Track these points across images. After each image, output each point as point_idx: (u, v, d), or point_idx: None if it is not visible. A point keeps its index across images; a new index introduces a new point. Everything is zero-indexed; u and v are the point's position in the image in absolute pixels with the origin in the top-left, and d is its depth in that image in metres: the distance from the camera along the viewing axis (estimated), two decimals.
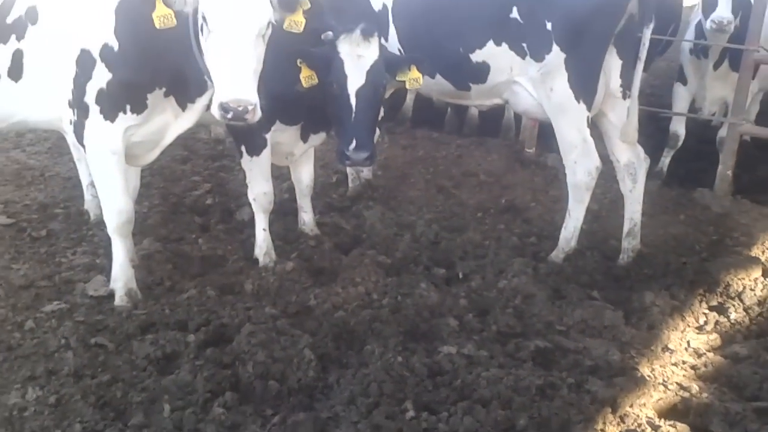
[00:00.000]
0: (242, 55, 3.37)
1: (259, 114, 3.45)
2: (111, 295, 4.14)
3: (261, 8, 3.42)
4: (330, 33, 4.19)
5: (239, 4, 3.35)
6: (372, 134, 4.30)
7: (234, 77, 3.36)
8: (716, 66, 6.24)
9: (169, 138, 4.02)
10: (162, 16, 3.40)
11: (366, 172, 6.24)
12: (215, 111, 3.40)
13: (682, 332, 4.18)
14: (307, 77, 4.16)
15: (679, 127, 6.69)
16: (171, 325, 3.86)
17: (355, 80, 4.10)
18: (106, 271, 4.28)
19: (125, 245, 4.10)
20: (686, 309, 4.38)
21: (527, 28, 4.55)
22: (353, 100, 4.10)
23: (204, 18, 3.36)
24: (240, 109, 3.34)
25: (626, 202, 4.93)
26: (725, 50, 6.12)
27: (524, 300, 4.36)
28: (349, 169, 6.06)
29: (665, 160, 6.77)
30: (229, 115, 3.36)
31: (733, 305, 4.43)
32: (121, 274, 4.10)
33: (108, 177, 3.88)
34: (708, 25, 5.87)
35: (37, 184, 5.84)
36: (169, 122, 3.94)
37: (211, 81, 3.58)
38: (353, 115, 4.12)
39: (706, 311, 4.41)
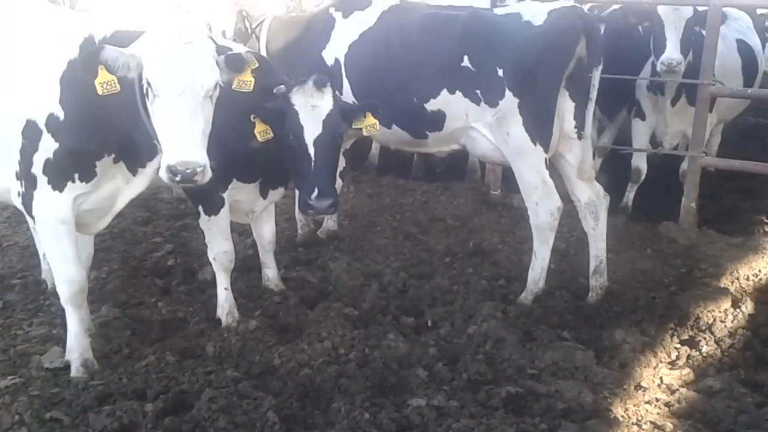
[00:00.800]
0: (188, 117, 3.32)
1: (209, 175, 3.38)
2: (67, 367, 3.99)
3: (206, 71, 3.38)
4: (282, 87, 4.19)
5: (184, 68, 3.31)
6: (333, 181, 4.27)
7: (180, 140, 3.31)
8: (674, 102, 6.29)
9: (121, 204, 3.94)
10: (105, 83, 3.35)
11: (331, 223, 6.20)
12: (163, 174, 3.33)
13: (654, 368, 4.13)
14: (261, 132, 4.12)
15: (640, 162, 6.72)
16: (129, 395, 3.71)
17: (311, 130, 4.07)
18: (62, 341, 4.13)
19: (79, 315, 3.98)
20: (657, 344, 4.35)
21: (479, 75, 4.61)
22: (311, 150, 4.07)
23: (149, 83, 3.32)
24: (188, 171, 3.28)
25: (590, 240, 4.92)
26: (681, 86, 6.17)
27: (494, 345, 4.29)
28: (299, 216, 6.04)
29: (629, 195, 6.79)
30: (178, 178, 3.29)
31: (704, 338, 4.40)
32: (76, 345, 3.97)
33: (58, 247, 3.78)
34: (658, 66, 5.93)
35: None
36: (120, 188, 3.86)
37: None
38: (312, 164, 4.08)
39: (678, 346, 4.37)
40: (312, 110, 4.09)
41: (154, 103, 3.34)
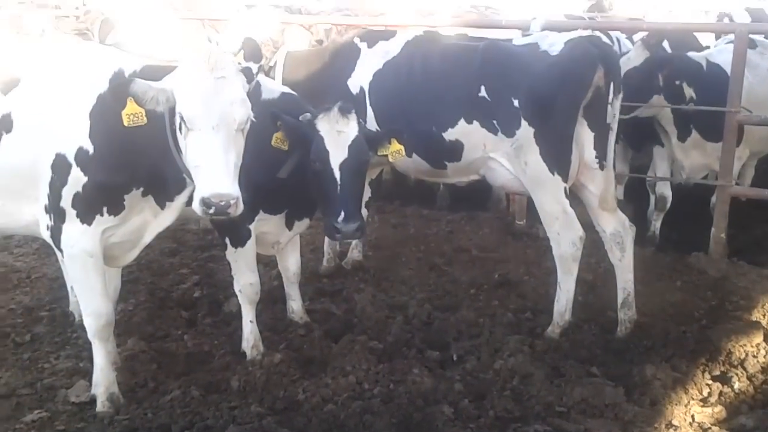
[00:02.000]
0: (222, 151, 3.35)
1: (241, 207, 3.41)
2: (93, 401, 4.00)
3: (239, 105, 3.42)
4: (308, 114, 4.22)
5: (217, 102, 3.36)
6: (359, 206, 4.28)
7: (214, 172, 3.34)
8: (682, 138, 6.23)
9: (148, 237, 3.96)
10: (131, 114, 3.40)
11: (356, 253, 6.19)
12: (197, 207, 3.36)
13: (685, 406, 4.02)
14: (278, 140, 4.14)
15: (665, 190, 6.66)
16: (153, 430, 3.71)
17: (337, 155, 4.09)
18: (89, 375, 4.15)
19: (106, 348, 4.00)
20: (689, 381, 4.24)
21: (496, 105, 4.62)
22: (337, 174, 4.08)
23: (182, 117, 3.36)
24: (222, 203, 3.31)
25: (617, 272, 4.85)
26: (688, 123, 6.14)
27: (522, 380, 4.22)
28: (326, 248, 6.03)
29: (656, 224, 6.72)
30: (212, 210, 3.32)
31: (737, 374, 4.29)
32: (103, 379, 3.98)
33: (86, 280, 3.81)
34: None
35: (23, 287, 5.75)
36: (147, 221, 3.89)
37: (191, 178, 3.56)
38: (338, 188, 4.09)
39: (710, 382, 4.26)
40: (338, 136, 4.11)
41: (188, 136, 3.38)
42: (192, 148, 3.38)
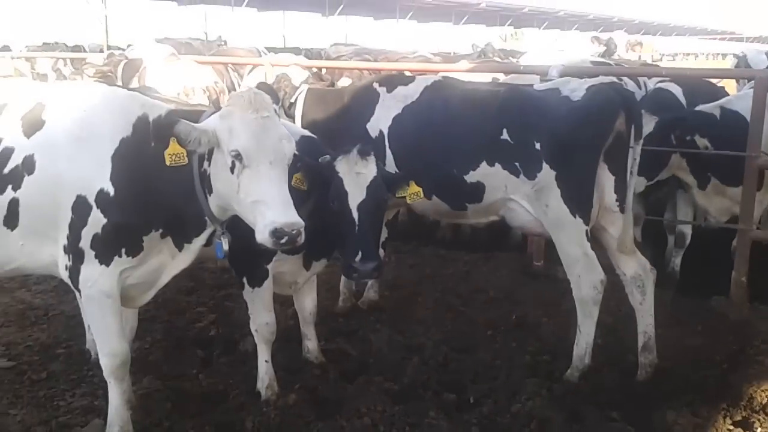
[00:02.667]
0: (283, 183, 3.49)
1: (303, 236, 3.48)
2: None
3: (287, 141, 3.57)
4: (327, 156, 4.26)
5: (270, 139, 3.50)
6: (377, 246, 4.29)
7: (282, 203, 3.43)
8: (702, 186, 6.26)
9: (165, 279, 3.98)
10: (174, 154, 3.51)
11: (372, 293, 6.18)
12: (266, 239, 3.39)
13: None
14: (298, 179, 4.18)
15: (684, 227, 6.68)
16: None
17: (355, 196, 4.14)
18: (104, 413, 4.14)
19: (121, 388, 3.98)
20: (710, 426, 4.17)
21: (517, 148, 4.67)
22: (355, 215, 4.12)
23: (238, 155, 3.44)
24: (294, 232, 3.39)
25: (638, 315, 4.81)
26: (706, 172, 6.17)
27: (540, 425, 4.17)
28: (342, 287, 6.04)
29: (675, 260, 6.71)
30: (284, 240, 3.38)
31: (758, 419, 4.23)
32: (117, 419, 3.97)
33: (103, 321, 3.82)
34: None
35: (41, 324, 5.78)
36: (165, 263, 3.91)
37: (213, 221, 3.68)
38: (356, 228, 4.12)
39: (731, 427, 4.19)
40: (356, 177, 4.16)
41: (243, 174, 3.46)
42: (250, 184, 3.46)
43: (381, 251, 5.27)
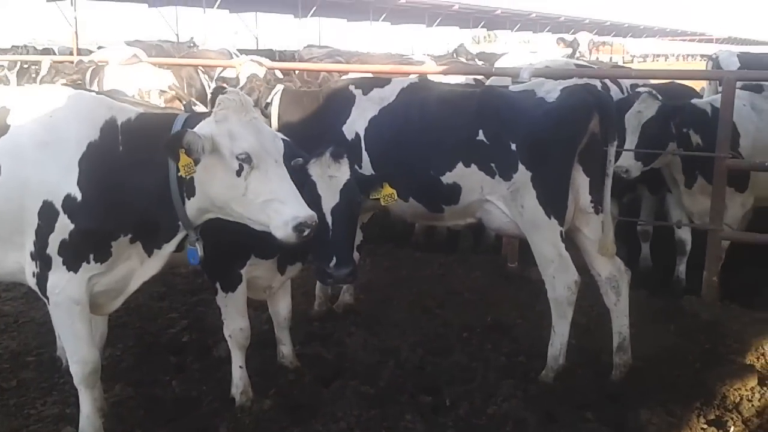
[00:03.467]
0: (289, 179, 3.57)
1: None
2: None
3: (278, 139, 3.69)
4: (300, 159, 4.22)
5: (269, 138, 3.61)
6: (351, 250, 4.25)
7: (297, 198, 3.52)
8: (689, 184, 6.29)
9: (134, 285, 3.93)
10: (186, 166, 3.47)
11: (347, 297, 6.16)
12: (288, 233, 3.44)
13: None
14: None
15: (682, 234, 6.68)
16: None
17: (328, 199, 4.09)
18: (76, 421, 4.08)
19: (92, 395, 3.94)
20: (683, 425, 4.20)
21: (493, 149, 4.66)
22: (329, 219, 4.07)
23: (247, 158, 3.45)
24: (313, 224, 3.47)
25: (612, 316, 4.84)
26: (694, 169, 6.20)
27: (516, 426, 4.18)
28: (317, 291, 6.02)
29: (680, 268, 6.71)
30: (306, 233, 3.45)
31: (731, 418, 4.26)
32: (89, 426, 3.92)
33: (72, 328, 3.77)
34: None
35: (11, 332, 5.68)
36: (134, 269, 3.86)
37: (187, 226, 3.67)
38: (330, 233, 4.07)
39: (705, 426, 4.22)
40: (329, 180, 4.12)
41: (250, 176, 3.48)
42: (260, 184, 3.49)
43: (356, 254, 5.25)
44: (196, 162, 3.50)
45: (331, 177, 4.12)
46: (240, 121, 3.51)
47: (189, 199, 3.61)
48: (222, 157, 3.49)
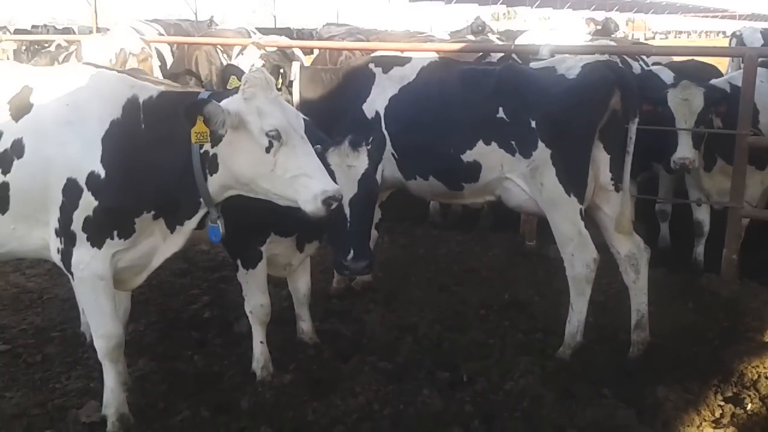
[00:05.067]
0: (314, 153, 3.65)
1: None
2: (104, 421, 4.00)
3: (300, 116, 3.78)
4: (319, 146, 4.23)
5: (291, 116, 3.67)
6: (368, 242, 4.27)
7: (323, 173, 3.59)
8: (708, 168, 6.20)
9: (157, 262, 3.98)
10: (199, 133, 3.51)
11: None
12: (318, 207, 3.50)
13: (698, 428, 4.00)
14: None
15: (699, 215, 6.60)
16: None
17: (347, 189, 4.08)
18: (100, 395, 4.15)
19: (116, 369, 4.01)
20: (701, 402, 4.20)
21: (513, 126, 4.65)
22: (347, 210, 4.08)
23: (277, 135, 3.51)
24: (340, 197, 3.57)
25: (631, 293, 4.84)
26: (713, 152, 6.11)
27: (532, 402, 4.20)
28: None
29: (697, 249, 6.64)
30: (333, 206, 3.54)
31: (749, 395, 4.26)
32: (113, 400, 3.99)
33: (96, 303, 3.83)
34: (672, 165, 5.88)
35: (35, 308, 5.79)
36: (157, 245, 3.91)
37: (209, 203, 3.71)
38: (348, 224, 4.09)
39: (722, 403, 4.22)
40: (348, 170, 4.12)
41: (279, 152, 3.53)
42: (289, 160, 3.54)
43: (374, 232, 5.27)
44: (217, 137, 3.53)
45: (350, 167, 4.12)
46: (267, 98, 3.56)
47: (211, 175, 3.64)
48: (250, 134, 3.53)
